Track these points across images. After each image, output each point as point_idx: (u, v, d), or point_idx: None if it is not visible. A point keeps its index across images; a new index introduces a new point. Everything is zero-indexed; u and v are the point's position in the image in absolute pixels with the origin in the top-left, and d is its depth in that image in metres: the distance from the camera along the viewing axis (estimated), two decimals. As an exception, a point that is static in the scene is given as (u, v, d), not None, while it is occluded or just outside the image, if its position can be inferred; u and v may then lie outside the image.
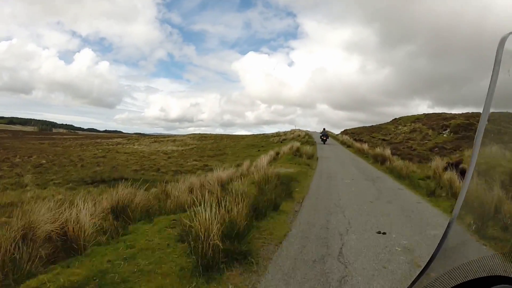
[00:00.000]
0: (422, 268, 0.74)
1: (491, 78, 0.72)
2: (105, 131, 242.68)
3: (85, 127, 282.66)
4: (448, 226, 0.72)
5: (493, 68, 0.72)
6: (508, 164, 0.73)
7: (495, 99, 0.70)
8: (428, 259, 0.73)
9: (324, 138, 25.31)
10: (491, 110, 0.68)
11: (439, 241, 0.72)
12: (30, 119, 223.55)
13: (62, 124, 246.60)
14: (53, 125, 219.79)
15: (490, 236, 0.75)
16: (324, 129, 26.43)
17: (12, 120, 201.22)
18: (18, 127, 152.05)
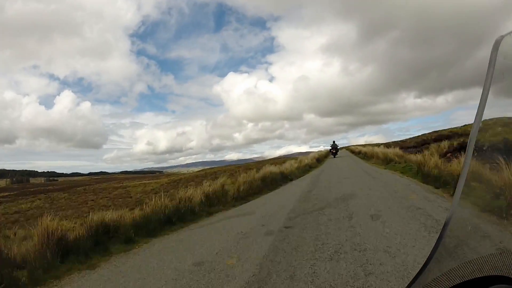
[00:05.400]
0: (419, 268, 0.74)
1: (486, 80, 0.73)
2: (89, 173, 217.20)
3: (69, 172, 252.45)
4: (445, 226, 0.72)
5: (487, 70, 0.73)
6: (503, 156, 0.73)
7: (490, 100, 0.71)
8: (425, 259, 0.73)
9: (334, 151, 25.76)
10: (486, 109, 0.69)
11: (435, 241, 0.72)
12: (9, 170, 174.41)
13: (43, 172, 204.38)
14: (33, 174, 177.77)
15: (486, 235, 0.75)
16: (333, 141, 26.62)
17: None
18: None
